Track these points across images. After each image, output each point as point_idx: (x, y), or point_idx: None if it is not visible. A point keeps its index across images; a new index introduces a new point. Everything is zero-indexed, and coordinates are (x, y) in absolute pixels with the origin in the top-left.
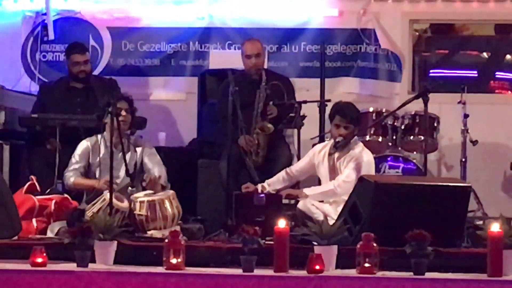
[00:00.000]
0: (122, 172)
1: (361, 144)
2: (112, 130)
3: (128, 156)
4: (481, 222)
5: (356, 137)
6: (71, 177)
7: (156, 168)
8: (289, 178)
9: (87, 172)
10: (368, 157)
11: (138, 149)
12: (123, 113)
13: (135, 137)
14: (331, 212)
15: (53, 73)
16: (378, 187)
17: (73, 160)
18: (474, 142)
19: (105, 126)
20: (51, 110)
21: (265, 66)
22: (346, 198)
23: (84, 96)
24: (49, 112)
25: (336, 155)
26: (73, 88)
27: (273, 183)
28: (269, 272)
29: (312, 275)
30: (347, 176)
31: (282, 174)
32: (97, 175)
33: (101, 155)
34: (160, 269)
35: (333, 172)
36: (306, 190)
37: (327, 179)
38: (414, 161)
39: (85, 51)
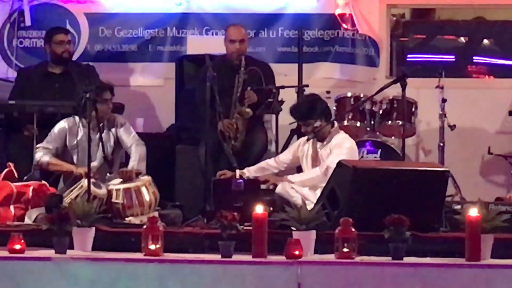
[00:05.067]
0: (99, 154)
1: (342, 132)
2: (91, 117)
3: (103, 136)
4: (459, 207)
5: (336, 124)
6: (44, 155)
7: (133, 146)
8: (270, 169)
9: (64, 154)
10: (350, 144)
11: (113, 128)
12: (110, 105)
13: (109, 115)
14: (310, 195)
15: (30, 59)
16: (356, 172)
17: (49, 138)
18: (452, 127)
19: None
20: (29, 95)
21: None
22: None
23: (62, 82)
24: (27, 98)
25: (318, 145)
26: (51, 73)
27: (253, 172)
28: (248, 257)
29: (290, 260)
30: (332, 162)
31: (263, 164)
32: (74, 158)
33: (78, 137)
34: (138, 255)
35: (316, 162)
36: (291, 178)
37: (310, 169)
38: (392, 146)
39: (67, 32)
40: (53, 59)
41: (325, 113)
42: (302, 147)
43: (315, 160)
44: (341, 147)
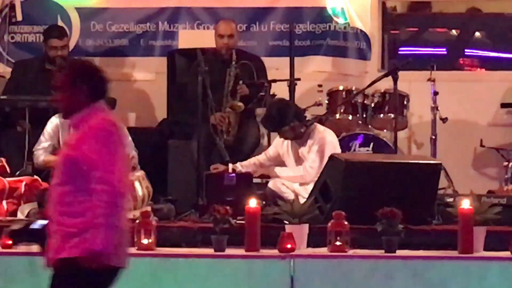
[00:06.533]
0: None
1: (319, 126)
2: None
3: None
4: (451, 199)
5: (311, 121)
6: (41, 155)
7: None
8: (261, 165)
9: (58, 150)
10: (330, 137)
11: None
12: None
13: None
14: (301, 191)
15: (22, 54)
16: (349, 165)
17: (42, 138)
18: (444, 120)
19: None
20: (24, 89)
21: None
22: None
23: None
24: (22, 92)
25: (298, 142)
26: (48, 70)
27: (245, 167)
28: (241, 251)
29: (283, 253)
30: (313, 161)
31: (254, 160)
32: None
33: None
34: (131, 250)
35: (299, 161)
36: (277, 170)
37: (294, 167)
38: (384, 139)
39: (64, 36)
40: (47, 59)
41: (297, 116)
42: (281, 145)
43: (298, 159)
44: (321, 143)
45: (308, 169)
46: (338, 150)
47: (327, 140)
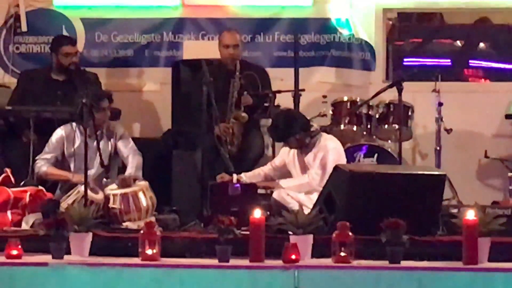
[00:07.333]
0: (96, 162)
1: (324, 134)
2: (87, 124)
3: (101, 144)
4: (456, 210)
5: (318, 130)
6: (43, 166)
7: (131, 155)
8: (266, 176)
9: (62, 162)
10: (333, 144)
11: (112, 138)
12: (108, 113)
13: (107, 122)
14: (306, 201)
15: (27, 64)
16: (353, 176)
17: (46, 148)
18: (449, 131)
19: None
20: (30, 100)
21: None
22: (320, 188)
23: (65, 89)
24: (28, 102)
25: (303, 152)
26: (54, 80)
27: (250, 178)
28: (245, 262)
29: (288, 264)
30: (318, 168)
31: (259, 171)
32: (71, 166)
33: (76, 145)
34: (135, 260)
35: (305, 169)
36: (282, 182)
37: (299, 176)
38: (389, 149)
39: (75, 43)
40: (59, 68)
41: (303, 127)
42: (288, 154)
43: (303, 168)
44: (325, 151)
45: (314, 175)
46: (343, 156)
47: (332, 147)
